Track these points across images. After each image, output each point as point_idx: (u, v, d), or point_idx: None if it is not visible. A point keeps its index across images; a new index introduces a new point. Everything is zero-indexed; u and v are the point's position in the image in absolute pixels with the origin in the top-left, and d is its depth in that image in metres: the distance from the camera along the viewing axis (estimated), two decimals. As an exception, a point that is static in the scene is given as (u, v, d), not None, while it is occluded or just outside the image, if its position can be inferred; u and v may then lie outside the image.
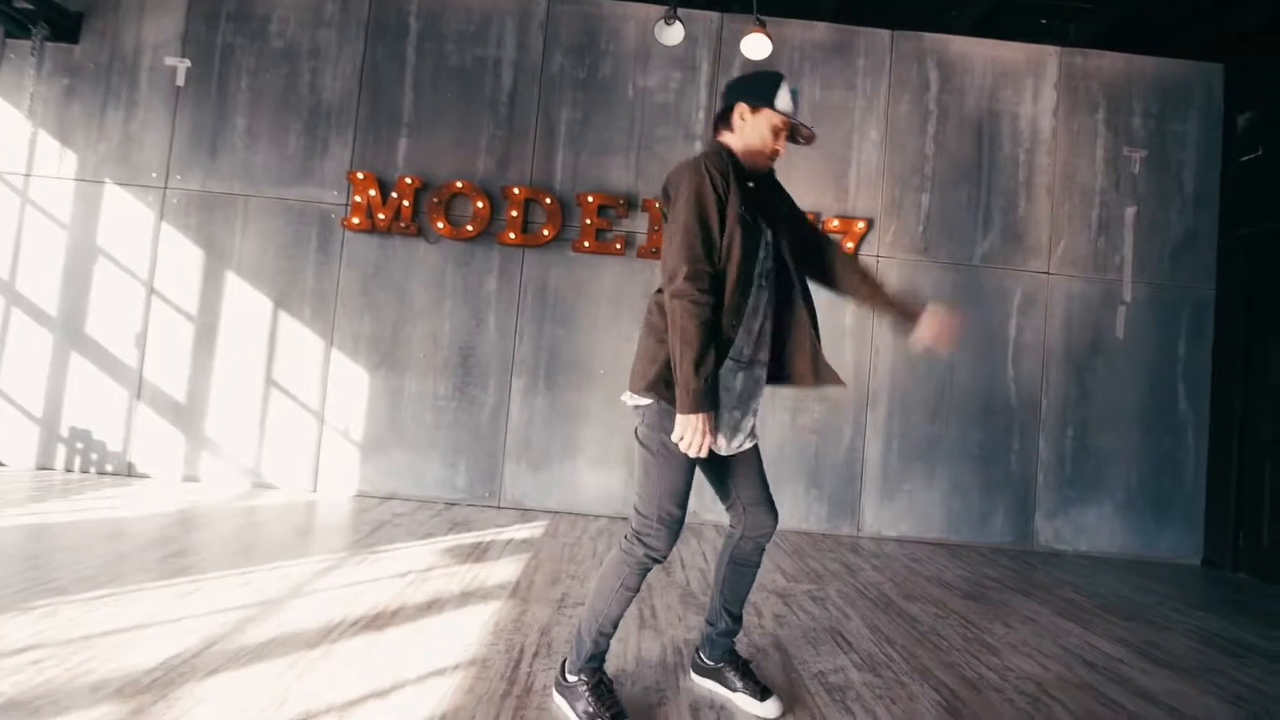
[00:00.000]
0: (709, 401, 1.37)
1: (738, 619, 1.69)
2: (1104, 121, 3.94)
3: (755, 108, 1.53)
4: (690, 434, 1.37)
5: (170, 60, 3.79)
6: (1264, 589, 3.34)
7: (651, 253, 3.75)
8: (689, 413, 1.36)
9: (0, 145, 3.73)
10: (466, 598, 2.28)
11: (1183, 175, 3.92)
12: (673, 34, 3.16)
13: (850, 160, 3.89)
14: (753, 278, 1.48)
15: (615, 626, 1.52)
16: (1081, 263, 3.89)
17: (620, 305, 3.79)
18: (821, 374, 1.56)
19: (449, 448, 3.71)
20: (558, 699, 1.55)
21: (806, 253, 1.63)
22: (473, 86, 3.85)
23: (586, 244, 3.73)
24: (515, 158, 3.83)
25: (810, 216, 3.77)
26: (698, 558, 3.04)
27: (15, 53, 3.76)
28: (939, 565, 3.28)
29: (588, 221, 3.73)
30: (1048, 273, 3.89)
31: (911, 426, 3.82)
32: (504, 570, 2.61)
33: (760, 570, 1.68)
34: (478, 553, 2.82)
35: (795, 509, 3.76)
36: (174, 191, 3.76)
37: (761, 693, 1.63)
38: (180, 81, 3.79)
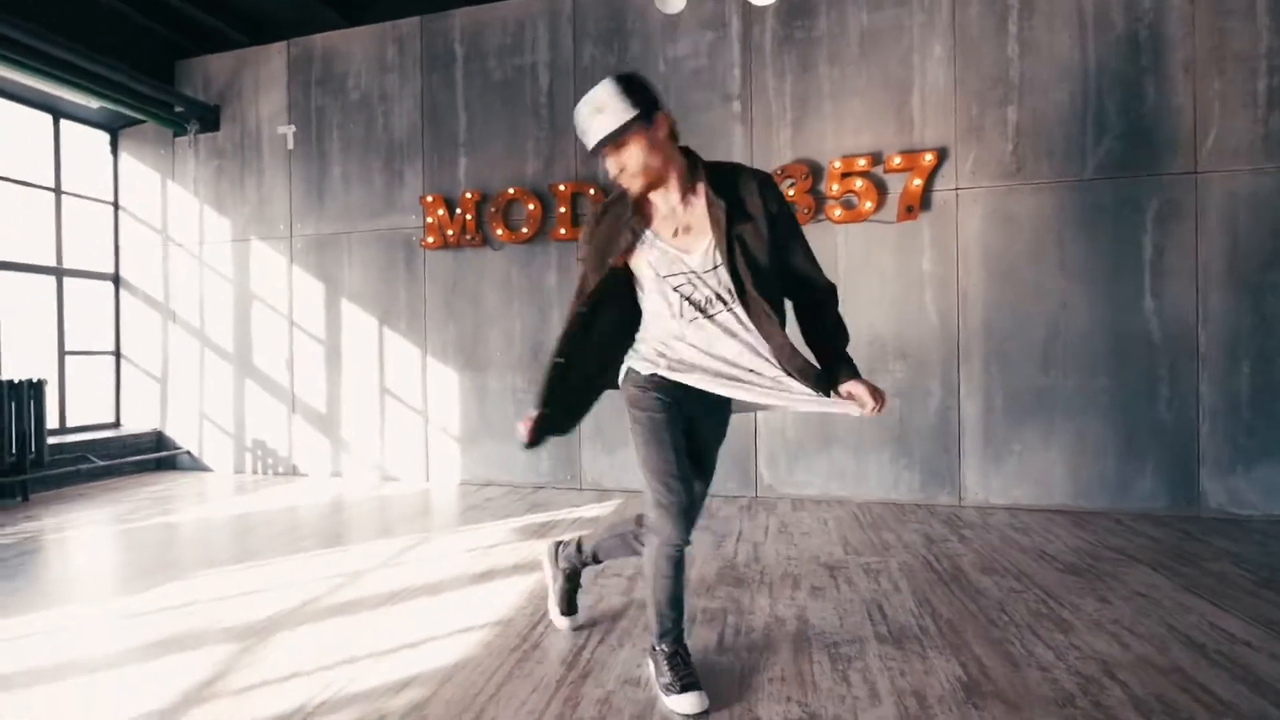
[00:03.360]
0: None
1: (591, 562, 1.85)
2: (1270, -40, 3.01)
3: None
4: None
5: (281, 129, 4.52)
6: None
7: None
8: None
9: (182, 222, 4.76)
10: (516, 569, 2.50)
11: None
12: (674, 2, 3.05)
13: (912, 85, 3.44)
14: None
15: (672, 607, 1.56)
16: (1244, 152, 3.04)
17: (673, 284, 3.77)
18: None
19: (530, 436, 4.01)
20: (649, 662, 1.67)
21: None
22: (515, 95, 4.05)
23: (632, 228, 3.75)
24: (559, 155, 3.97)
25: (868, 158, 3.43)
26: (758, 531, 2.96)
27: (180, 148, 4.75)
28: (1050, 535, 2.84)
29: (632, 205, 3.75)
30: (1195, 172, 3.10)
31: (1017, 379, 3.31)
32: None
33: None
34: (543, 530, 3.05)
35: (882, 478, 3.48)
36: (298, 238, 4.49)
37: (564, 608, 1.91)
38: (290, 145, 4.50)
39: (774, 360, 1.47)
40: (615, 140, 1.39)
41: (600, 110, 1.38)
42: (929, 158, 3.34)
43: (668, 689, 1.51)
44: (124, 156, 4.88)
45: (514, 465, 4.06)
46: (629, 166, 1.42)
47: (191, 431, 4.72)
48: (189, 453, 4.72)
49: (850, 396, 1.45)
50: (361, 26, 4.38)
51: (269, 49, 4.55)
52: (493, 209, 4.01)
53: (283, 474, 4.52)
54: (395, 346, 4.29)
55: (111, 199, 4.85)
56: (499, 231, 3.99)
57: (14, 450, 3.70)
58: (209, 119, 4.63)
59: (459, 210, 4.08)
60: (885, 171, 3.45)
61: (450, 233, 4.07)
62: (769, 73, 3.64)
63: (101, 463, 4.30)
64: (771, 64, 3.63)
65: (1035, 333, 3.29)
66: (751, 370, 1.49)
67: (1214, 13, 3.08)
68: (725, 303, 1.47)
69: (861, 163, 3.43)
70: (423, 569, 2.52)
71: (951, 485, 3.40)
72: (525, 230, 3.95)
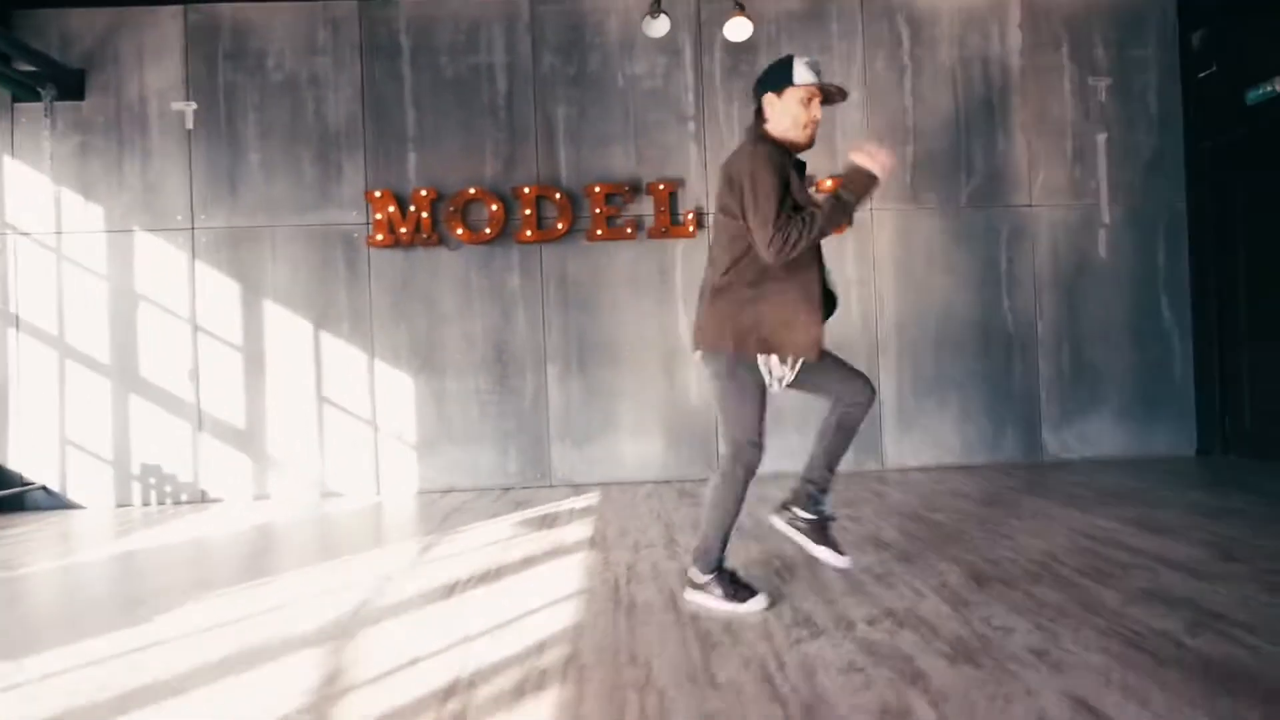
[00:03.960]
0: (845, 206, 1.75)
1: (833, 473, 1.96)
2: (1068, 56, 4.17)
3: (780, 91, 1.78)
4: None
5: (177, 105, 3.93)
6: (1252, 466, 3.71)
7: (661, 233, 3.97)
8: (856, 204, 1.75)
9: (29, 207, 3.89)
10: (554, 553, 2.59)
11: (1147, 97, 4.17)
12: (659, 26, 3.35)
13: (835, 123, 4.11)
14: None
15: (728, 536, 1.90)
16: (1061, 192, 4.16)
17: (638, 286, 4.03)
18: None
19: (497, 437, 3.98)
20: (697, 597, 1.91)
21: None
22: (470, 95, 4.02)
23: (599, 232, 3.95)
24: (521, 158, 4.02)
25: (814, 182, 4.02)
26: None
27: (27, 116, 3.89)
28: (958, 483, 3.61)
29: (597, 211, 3.94)
30: (1030, 205, 4.15)
31: (920, 364, 4.11)
32: (577, 531, 2.92)
33: (848, 436, 1.95)
34: (548, 521, 3.11)
35: (822, 453, 4.06)
36: (201, 231, 3.93)
37: (839, 549, 1.93)
38: (189, 125, 3.93)
39: None
40: (829, 102, 1.80)
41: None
42: (853, 182, 4.03)
43: (740, 599, 1.85)
44: (-68, 120, 3.85)
45: (479, 469, 3.99)
46: (818, 120, 1.79)
47: (47, 461, 3.85)
48: (44, 488, 3.85)
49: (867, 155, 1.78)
50: (281, 1, 4.00)
51: (158, 11, 3.94)
52: (450, 208, 3.92)
53: (188, 501, 3.90)
54: (335, 351, 3.96)
55: (-88, 172, 3.80)
56: (458, 231, 3.92)
57: None
58: (69, 84, 3.86)
59: (412, 208, 3.92)
60: (817, 192, 4.07)
61: (403, 230, 3.89)
62: (719, 98, 4.09)
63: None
64: (721, 91, 4.09)
65: (931, 328, 4.12)
66: None
67: (1040, 89, 4.17)
68: None
69: (800, 183, 4.01)
70: (457, 565, 2.47)
71: (876, 454, 4.10)
72: (488, 231, 3.93)
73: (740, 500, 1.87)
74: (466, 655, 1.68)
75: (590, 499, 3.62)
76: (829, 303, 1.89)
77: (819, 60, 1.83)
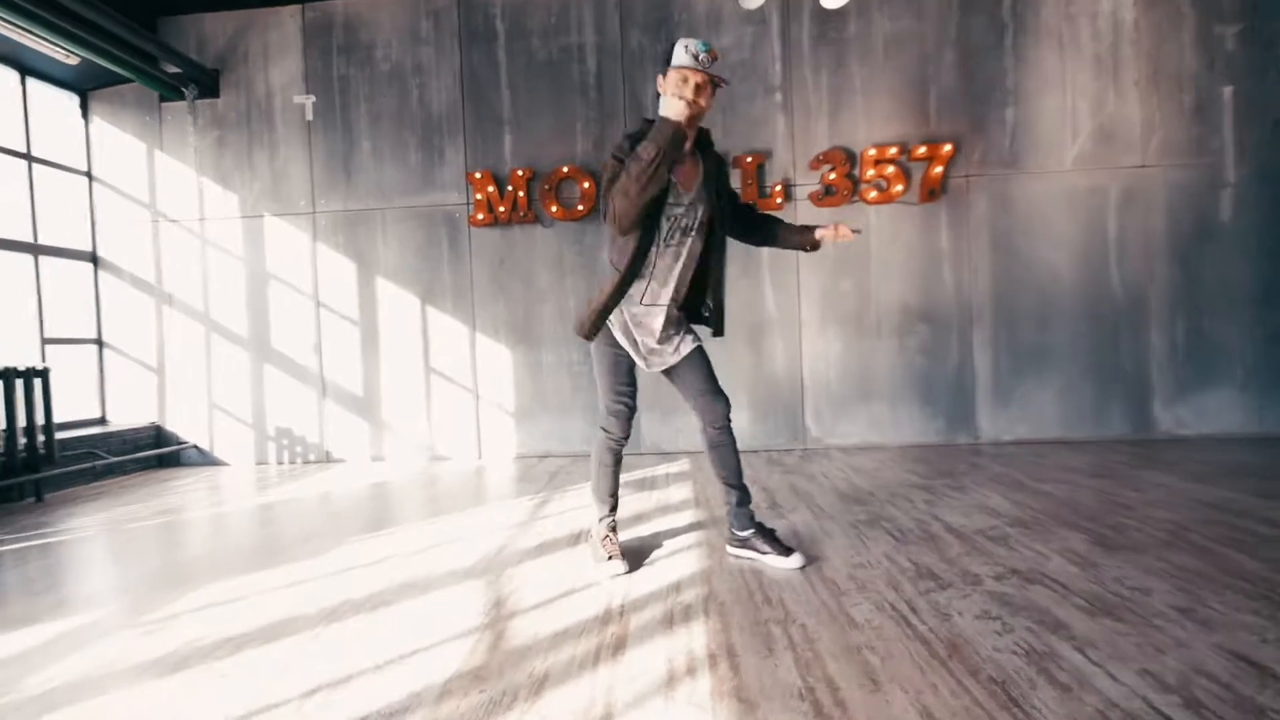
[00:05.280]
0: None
1: (742, 489, 2.07)
2: (1189, 3, 3.87)
3: (663, 74, 1.85)
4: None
5: (298, 98, 4.28)
6: (1400, 445, 3.41)
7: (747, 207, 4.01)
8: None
9: (176, 196, 4.35)
10: (664, 510, 2.74)
11: (1277, 46, 3.83)
12: (755, -3, 3.36)
13: (928, 87, 4.00)
14: (654, 231, 1.86)
15: (611, 494, 2.10)
16: (1179, 151, 3.90)
17: (727, 255, 4.09)
18: (717, 324, 2.09)
19: (589, 407, 4.17)
20: (600, 535, 2.10)
21: (739, 222, 2.09)
22: (561, 76, 4.16)
23: (687, 206, 4.03)
24: (610, 136, 4.14)
25: (897, 147, 3.95)
26: (835, 471, 3.38)
27: (172, 114, 4.33)
28: (1063, 457, 3.51)
29: (685, 185, 4.02)
30: (1143, 166, 3.92)
31: (1018, 336, 3.99)
32: (678, 492, 3.05)
33: (726, 451, 2.07)
34: (649, 484, 3.27)
35: (912, 425, 4.04)
36: (321, 215, 4.29)
37: (785, 551, 2.00)
38: (309, 116, 4.27)
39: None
40: (715, 85, 1.82)
41: (716, 60, 1.81)
42: (948, 148, 3.93)
43: (609, 554, 2.00)
44: (96, 121, 4.36)
45: (571, 436, 4.20)
46: (704, 108, 1.81)
47: (199, 424, 4.35)
48: (196, 447, 4.35)
49: (834, 234, 2.01)
50: (388, -4, 4.25)
51: (279, 12, 4.28)
52: (545, 186, 4.10)
53: (315, 461, 4.31)
54: (440, 325, 4.24)
55: (84, 169, 4.32)
56: (553, 209, 4.09)
57: (23, 447, 3.28)
58: (206, 84, 4.27)
59: (509, 187, 4.12)
60: (910, 160, 3.99)
61: (501, 209, 4.11)
62: (807, 68, 4.06)
63: (110, 459, 3.87)
64: (809, 60, 4.05)
65: (1031, 299, 3.99)
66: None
67: (1156, 42, 3.90)
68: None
69: (892, 151, 3.95)
70: (576, 518, 2.66)
71: (969, 427, 4.04)
72: (580, 208, 4.09)
73: (610, 465, 2.07)
74: (611, 591, 1.85)
75: (681, 465, 3.76)
76: (698, 317, 2.09)
77: (709, 44, 1.83)
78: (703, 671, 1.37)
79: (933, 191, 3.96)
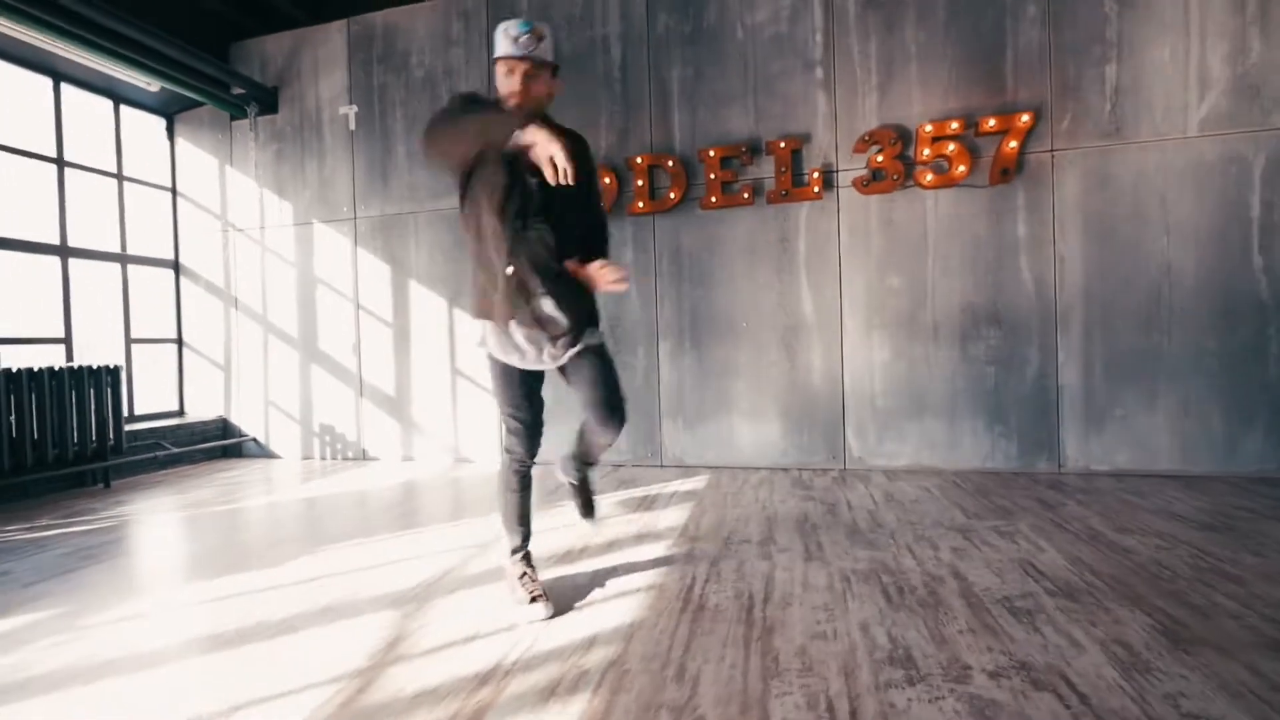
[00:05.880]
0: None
1: (585, 463, 2.01)
2: (1383, -95, 2.94)
3: (494, 64, 1.68)
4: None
5: (343, 109, 4.46)
6: None
7: (781, 196, 3.62)
8: None
9: (242, 207, 4.71)
10: (641, 539, 2.47)
11: None
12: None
13: (1004, 46, 3.37)
14: (505, 218, 1.66)
15: (522, 523, 1.88)
16: (1359, 103, 2.98)
17: (755, 255, 3.72)
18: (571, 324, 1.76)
19: (609, 414, 3.97)
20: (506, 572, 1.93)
21: (575, 212, 1.77)
22: (586, 68, 3.99)
23: (714, 199, 3.71)
24: (634, 129, 3.91)
25: (959, 121, 3.37)
26: (865, 499, 2.93)
27: (240, 131, 4.69)
28: (1168, 498, 2.80)
29: (711, 176, 3.70)
30: (1305, 126, 3.04)
31: (1119, 342, 3.26)
32: (671, 517, 2.77)
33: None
34: (646, 504, 3.01)
35: (977, 448, 3.43)
36: (361, 220, 4.44)
37: (586, 510, 2.03)
38: (352, 126, 4.44)
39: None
40: (540, 69, 1.65)
41: (542, 39, 1.64)
42: (1025, 118, 3.28)
43: (528, 594, 1.79)
44: (180, 142, 4.82)
45: (592, 443, 4.02)
46: (532, 94, 1.65)
47: (257, 418, 4.69)
48: (255, 440, 4.69)
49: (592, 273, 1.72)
50: (424, 2, 4.31)
51: (328, 27, 4.49)
52: (566, 184, 3.94)
53: (352, 459, 4.48)
54: (467, 327, 4.24)
55: (169, 185, 4.80)
56: (573, 207, 3.93)
57: (94, 437, 3.67)
58: (267, 101, 4.57)
59: (531, 186, 4.01)
60: (976, 135, 3.39)
61: (523, 209, 4.01)
62: (852, 36, 3.57)
63: (174, 450, 4.26)
64: (855, 27, 3.57)
65: (1138, 295, 3.24)
66: None
67: (1325, -39, 3.01)
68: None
69: (954, 126, 3.37)
70: (545, 542, 2.47)
71: (1050, 452, 3.36)
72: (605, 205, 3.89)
73: (516, 491, 1.84)
74: (518, 640, 1.64)
75: (697, 482, 3.45)
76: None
77: (530, 23, 1.61)
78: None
79: (1005, 171, 3.33)
